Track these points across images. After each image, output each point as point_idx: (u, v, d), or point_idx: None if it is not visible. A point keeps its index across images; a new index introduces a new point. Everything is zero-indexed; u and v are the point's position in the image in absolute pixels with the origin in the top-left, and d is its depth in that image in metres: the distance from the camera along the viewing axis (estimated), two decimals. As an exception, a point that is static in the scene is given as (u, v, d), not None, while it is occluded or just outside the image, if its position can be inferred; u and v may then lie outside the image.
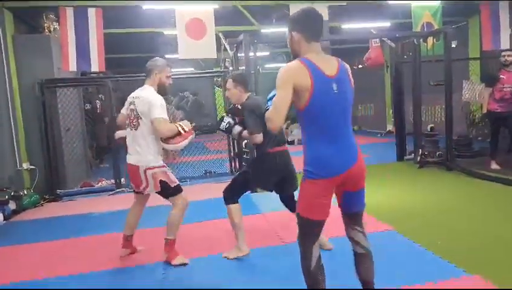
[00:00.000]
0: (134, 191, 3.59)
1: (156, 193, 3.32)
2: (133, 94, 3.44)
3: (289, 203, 3.54)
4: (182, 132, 3.27)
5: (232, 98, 3.48)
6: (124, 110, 3.53)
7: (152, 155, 3.27)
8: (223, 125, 3.37)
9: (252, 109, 3.21)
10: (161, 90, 3.37)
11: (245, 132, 3.27)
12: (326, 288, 2.15)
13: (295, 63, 2.04)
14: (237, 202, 3.41)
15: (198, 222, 4.47)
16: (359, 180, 2.14)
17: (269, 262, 3.36)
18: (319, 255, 2.13)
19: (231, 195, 3.41)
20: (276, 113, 2.01)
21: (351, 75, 2.16)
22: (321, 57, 2.08)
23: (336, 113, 2.04)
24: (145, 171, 3.25)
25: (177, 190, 3.35)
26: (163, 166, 3.33)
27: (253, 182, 3.46)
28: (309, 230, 2.13)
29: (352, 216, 2.23)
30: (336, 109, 2.03)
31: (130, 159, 3.35)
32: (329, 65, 2.06)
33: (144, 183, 3.28)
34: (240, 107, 3.38)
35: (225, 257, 3.45)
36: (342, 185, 2.11)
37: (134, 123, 3.30)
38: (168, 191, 3.30)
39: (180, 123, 3.35)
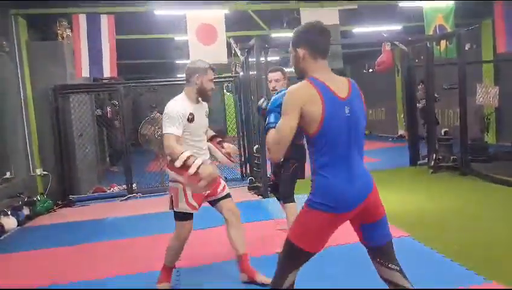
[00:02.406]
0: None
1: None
2: None
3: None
4: (193, 169, 2.63)
5: (279, 90, 3.51)
6: None
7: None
8: (261, 101, 3.36)
9: None
10: (203, 95, 2.96)
11: None
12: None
13: (304, 84, 1.85)
14: (294, 200, 3.55)
15: (211, 227, 4.44)
16: (377, 209, 1.93)
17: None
18: (293, 283, 1.94)
19: (290, 193, 3.54)
20: (280, 144, 1.84)
21: (362, 96, 1.97)
22: (331, 77, 1.90)
23: (349, 139, 1.85)
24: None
25: (181, 217, 2.93)
26: (175, 181, 2.87)
27: (298, 172, 3.60)
28: (296, 258, 1.92)
29: (379, 251, 1.95)
30: (348, 134, 1.85)
31: None
32: (341, 86, 1.88)
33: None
34: None
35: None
36: (357, 218, 1.92)
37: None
38: (174, 212, 2.95)
39: (198, 161, 2.66)
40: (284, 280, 1.92)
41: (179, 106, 2.84)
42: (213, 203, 3.07)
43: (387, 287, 2.00)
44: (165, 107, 2.85)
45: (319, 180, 1.87)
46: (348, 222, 1.96)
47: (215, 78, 3.04)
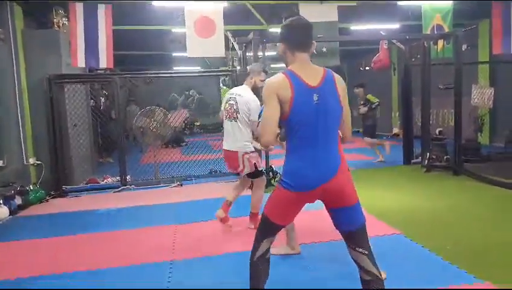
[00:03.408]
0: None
1: (247, 174, 3.94)
2: (233, 91, 4.08)
3: None
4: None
5: None
6: (223, 106, 4.12)
7: (247, 142, 3.87)
8: None
9: None
10: (254, 91, 3.93)
11: None
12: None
13: (278, 76, 2.04)
14: None
15: (204, 221, 4.45)
16: (344, 197, 2.03)
17: (287, 264, 3.32)
18: (267, 250, 2.18)
19: None
20: (266, 128, 2.01)
21: (339, 86, 2.07)
22: (305, 67, 2.05)
23: (316, 125, 1.98)
24: (242, 156, 3.86)
25: (262, 173, 4.07)
26: (255, 151, 3.91)
27: None
28: (267, 229, 2.18)
29: (348, 236, 2.08)
30: (316, 120, 1.98)
31: (228, 146, 3.97)
32: (313, 75, 2.02)
33: (241, 166, 3.89)
34: None
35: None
36: (325, 202, 2.07)
37: (234, 116, 3.89)
38: (256, 172, 3.94)
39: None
40: (257, 249, 2.17)
41: (255, 98, 3.87)
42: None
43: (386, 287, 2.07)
44: (247, 98, 3.84)
45: (288, 161, 2.08)
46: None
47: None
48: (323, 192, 2.01)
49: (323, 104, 1.99)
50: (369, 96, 8.03)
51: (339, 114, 2.06)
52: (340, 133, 2.15)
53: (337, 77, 2.09)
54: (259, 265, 2.17)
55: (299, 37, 2.08)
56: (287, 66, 2.11)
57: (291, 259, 3.36)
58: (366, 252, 2.05)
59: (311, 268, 3.18)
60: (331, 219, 2.12)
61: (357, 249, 2.06)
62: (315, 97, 1.97)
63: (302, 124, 1.99)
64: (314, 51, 7.68)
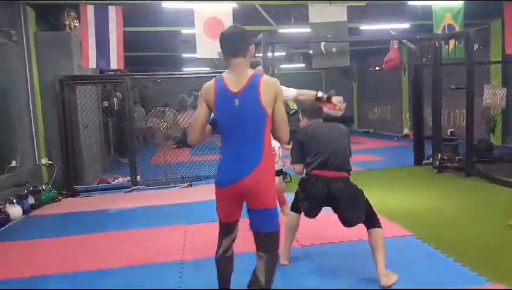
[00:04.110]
0: None
1: None
2: None
3: None
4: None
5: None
6: None
7: None
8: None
9: None
10: None
11: None
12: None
13: (211, 81, 2.22)
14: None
15: (214, 221, 4.45)
16: (258, 197, 2.12)
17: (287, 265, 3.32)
18: (228, 247, 2.28)
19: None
20: (190, 129, 2.28)
21: (264, 92, 2.10)
22: (236, 73, 2.16)
23: (236, 127, 2.12)
24: None
25: (281, 172, 4.20)
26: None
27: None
28: (220, 227, 2.31)
29: (255, 236, 2.18)
30: (235, 122, 2.12)
31: None
32: (239, 81, 2.13)
33: None
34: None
35: None
36: (246, 200, 2.18)
37: None
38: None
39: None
40: (219, 246, 2.30)
41: None
42: None
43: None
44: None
45: (219, 159, 2.25)
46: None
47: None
48: (241, 190, 2.12)
49: (244, 107, 2.11)
50: (288, 101, 7.89)
51: (262, 117, 2.12)
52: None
53: (265, 83, 2.13)
54: (221, 262, 2.30)
55: (228, 44, 2.20)
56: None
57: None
58: (266, 257, 2.15)
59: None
60: (249, 218, 2.20)
61: (259, 252, 2.17)
62: (236, 102, 2.11)
63: (225, 126, 2.16)
64: (324, 51, 7.63)
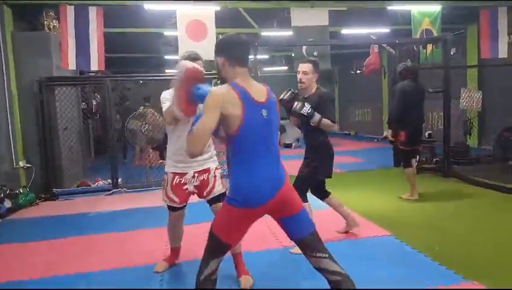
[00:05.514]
0: None
1: None
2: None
3: (321, 190, 3.75)
4: None
5: (306, 83, 3.50)
6: None
7: None
8: (305, 109, 3.31)
9: (333, 98, 3.72)
10: None
11: (325, 120, 3.38)
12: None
13: (225, 87, 2.02)
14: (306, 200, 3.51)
15: (195, 223, 4.45)
16: (295, 202, 2.10)
17: (269, 265, 3.35)
18: (214, 270, 2.09)
19: (300, 192, 3.38)
20: (199, 138, 1.96)
21: (277, 103, 2.19)
22: (250, 83, 2.08)
23: (265, 140, 2.05)
24: None
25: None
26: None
27: (323, 171, 3.55)
28: (215, 248, 2.10)
29: (304, 242, 2.09)
30: (264, 135, 2.04)
31: None
32: (259, 91, 2.07)
33: None
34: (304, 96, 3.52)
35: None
36: (275, 213, 2.09)
37: None
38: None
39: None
40: (204, 269, 2.08)
41: None
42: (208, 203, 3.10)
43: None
44: None
45: (235, 177, 2.04)
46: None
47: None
48: (274, 205, 2.03)
49: (270, 119, 2.06)
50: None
51: (278, 127, 2.16)
52: None
53: (274, 95, 2.18)
54: (205, 286, 2.08)
55: (238, 51, 2.09)
56: (222, 80, 2.14)
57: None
58: (326, 255, 2.07)
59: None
60: (285, 230, 2.13)
61: (316, 254, 2.06)
62: (264, 113, 2.03)
63: (253, 140, 2.00)
64: (305, 54, 7.74)
